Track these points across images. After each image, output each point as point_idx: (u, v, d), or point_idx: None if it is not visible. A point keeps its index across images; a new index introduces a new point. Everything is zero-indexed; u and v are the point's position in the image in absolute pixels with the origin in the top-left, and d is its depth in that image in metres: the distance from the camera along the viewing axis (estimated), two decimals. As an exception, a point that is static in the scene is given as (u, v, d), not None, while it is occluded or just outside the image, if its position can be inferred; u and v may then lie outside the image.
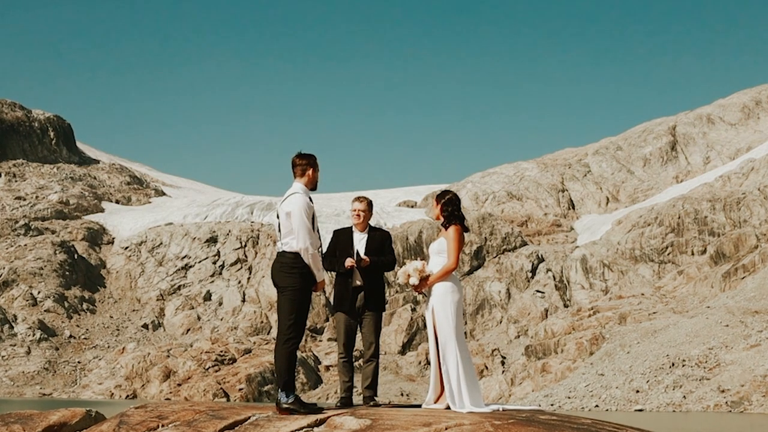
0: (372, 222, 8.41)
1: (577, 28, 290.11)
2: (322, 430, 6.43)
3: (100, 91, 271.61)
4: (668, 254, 65.72)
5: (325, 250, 8.19)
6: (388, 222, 72.14)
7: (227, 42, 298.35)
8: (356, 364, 17.02)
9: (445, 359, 7.33)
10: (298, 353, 40.45)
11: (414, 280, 7.50)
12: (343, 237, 8.15)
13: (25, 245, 66.51)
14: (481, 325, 63.69)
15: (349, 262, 7.93)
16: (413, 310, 62.28)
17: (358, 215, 8.11)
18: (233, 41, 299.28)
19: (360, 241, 8.09)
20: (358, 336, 8.18)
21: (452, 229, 7.55)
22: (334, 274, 8.17)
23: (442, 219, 7.65)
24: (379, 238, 8.15)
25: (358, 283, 8.00)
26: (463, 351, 7.37)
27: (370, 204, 8.25)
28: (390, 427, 6.21)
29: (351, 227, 8.22)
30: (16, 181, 77.33)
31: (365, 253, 8.00)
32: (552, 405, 43.90)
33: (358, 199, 8.21)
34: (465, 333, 62.14)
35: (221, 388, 51.63)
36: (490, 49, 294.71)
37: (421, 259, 7.67)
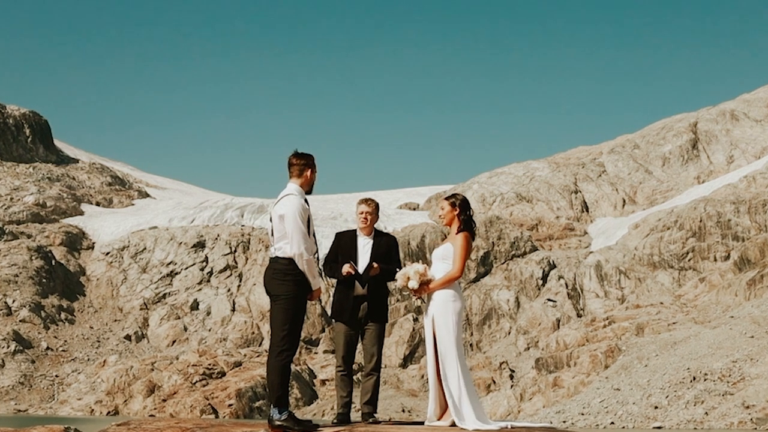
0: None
1: (591, 19, 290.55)
2: (318, 449, 6.44)
3: (79, 86, 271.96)
4: (689, 260, 65.76)
5: (326, 254, 8.15)
6: (389, 225, 72.17)
7: (217, 34, 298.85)
8: (355, 378, 17.02)
9: (445, 372, 7.32)
10: (292, 366, 40.46)
11: (414, 284, 7.47)
12: (346, 241, 8.06)
13: (-1, 250, 66.55)
14: (488, 336, 63.70)
15: (346, 268, 7.86)
16: (415, 320, 62.29)
17: (365, 218, 8.04)
18: (223, 33, 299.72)
19: (365, 246, 8.02)
20: (358, 348, 8.13)
21: (461, 236, 7.55)
22: (333, 280, 8.12)
23: (458, 223, 7.62)
24: (386, 244, 8.08)
25: (361, 291, 7.96)
26: (463, 364, 7.38)
27: (377, 207, 8.18)
28: (390, 446, 6.22)
29: (355, 230, 8.14)
30: (-11, 182, 77.39)
31: (371, 260, 7.94)
32: (564, 422, 43.93)
33: (365, 201, 8.12)
34: (471, 345, 62.44)
35: (209, 404, 51.65)
36: (496, 41, 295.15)
37: (424, 263, 7.64)
